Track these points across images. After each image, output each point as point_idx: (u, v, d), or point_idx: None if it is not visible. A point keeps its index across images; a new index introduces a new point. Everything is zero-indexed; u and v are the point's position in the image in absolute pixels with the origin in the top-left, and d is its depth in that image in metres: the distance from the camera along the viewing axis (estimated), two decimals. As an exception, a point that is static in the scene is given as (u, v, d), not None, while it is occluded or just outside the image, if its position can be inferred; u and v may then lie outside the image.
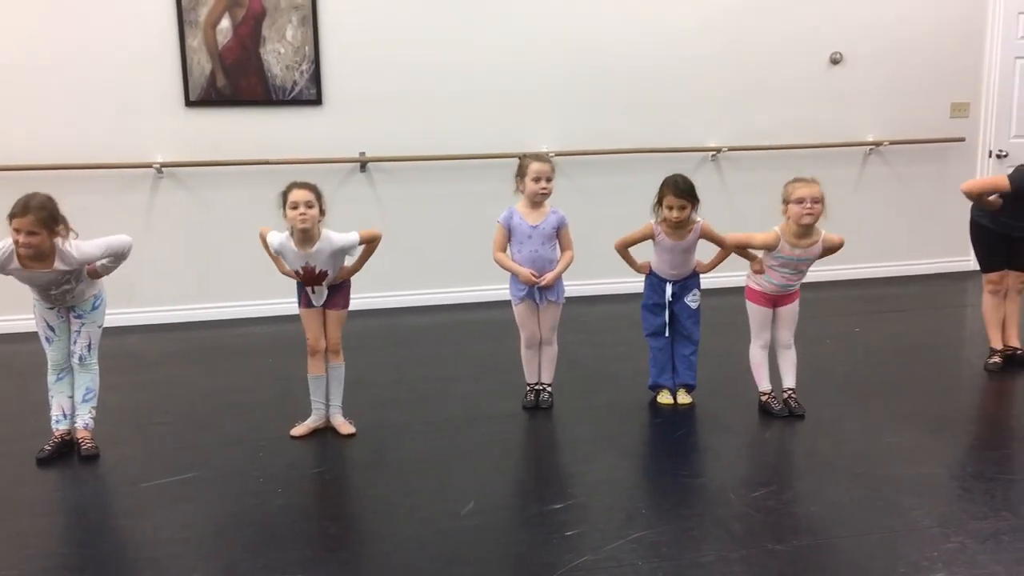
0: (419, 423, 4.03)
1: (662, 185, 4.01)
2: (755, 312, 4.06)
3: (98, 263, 3.70)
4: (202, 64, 5.77)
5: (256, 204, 5.69)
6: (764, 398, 4.09)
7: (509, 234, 4.03)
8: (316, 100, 5.98)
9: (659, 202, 4.02)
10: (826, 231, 3.97)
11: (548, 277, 4.01)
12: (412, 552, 2.88)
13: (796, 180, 3.89)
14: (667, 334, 4.18)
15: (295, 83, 5.92)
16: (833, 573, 2.70)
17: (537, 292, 4.03)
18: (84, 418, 3.75)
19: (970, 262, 7.14)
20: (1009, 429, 4.00)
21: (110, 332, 5.66)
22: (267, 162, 5.83)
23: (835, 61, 6.68)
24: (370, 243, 3.90)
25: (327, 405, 3.94)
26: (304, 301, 3.89)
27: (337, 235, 3.77)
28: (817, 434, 3.84)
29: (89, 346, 3.76)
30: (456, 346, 5.33)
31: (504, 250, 4.06)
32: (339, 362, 3.93)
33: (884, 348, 5.09)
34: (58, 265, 3.50)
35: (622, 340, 5.21)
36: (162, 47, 5.74)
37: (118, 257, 3.75)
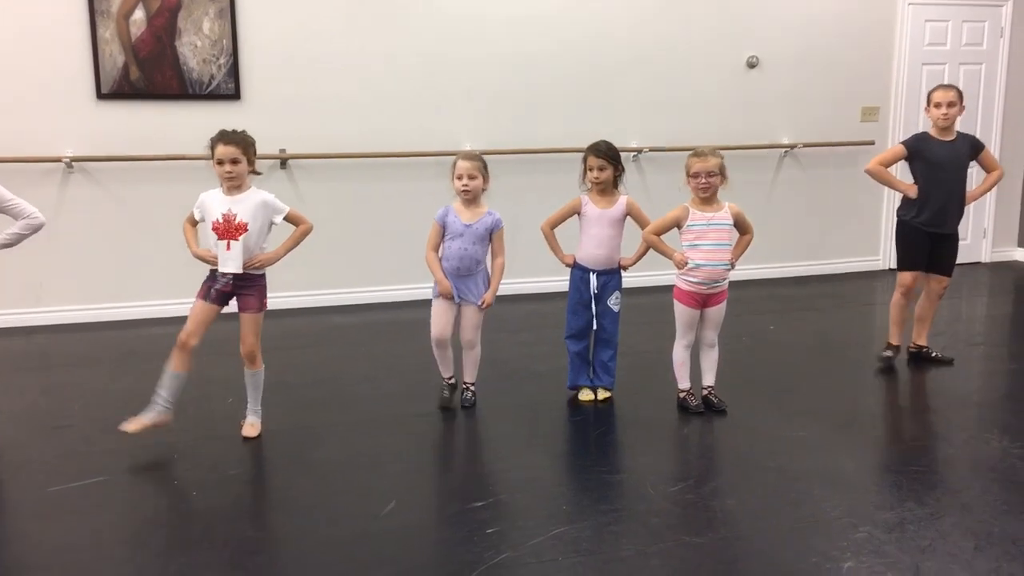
0: (340, 424, 3.99)
1: (583, 155, 4.11)
2: (682, 312, 4.09)
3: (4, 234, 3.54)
4: (114, 56, 5.60)
5: (172, 200, 5.57)
6: (682, 395, 4.16)
7: (444, 231, 4.02)
8: (235, 95, 5.85)
9: (584, 172, 4.11)
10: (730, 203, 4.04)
11: (488, 299, 4.04)
12: (331, 553, 2.85)
13: (694, 155, 3.97)
14: (591, 331, 4.21)
15: (212, 77, 5.79)
16: (748, 565, 2.77)
17: (456, 293, 4.03)
18: None
19: (879, 261, 7.43)
20: (916, 423, 4.16)
21: (16, 332, 5.49)
22: (183, 157, 5.69)
23: (751, 65, 6.84)
24: (299, 225, 3.82)
25: (170, 405, 3.70)
26: (201, 292, 3.70)
27: (269, 195, 3.72)
28: (732, 430, 3.93)
29: None
30: (377, 345, 5.29)
31: (437, 249, 4.05)
32: (257, 369, 3.79)
33: (797, 345, 5.24)
34: None
35: (544, 338, 5.24)
36: (73, 37, 5.55)
37: (28, 226, 3.64)
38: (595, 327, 4.21)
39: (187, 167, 5.68)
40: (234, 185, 3.66)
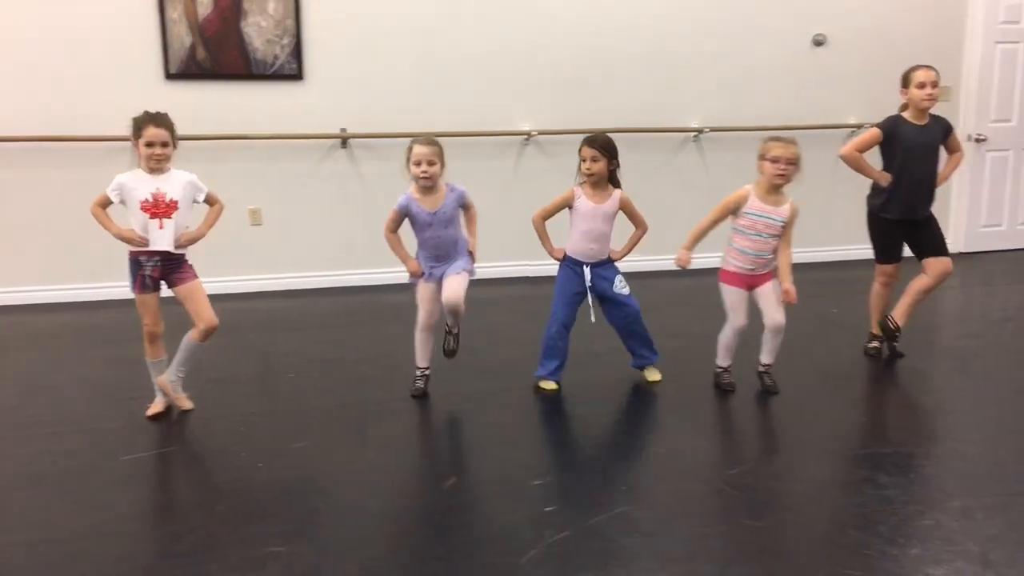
0: (398, 400, 4.02)
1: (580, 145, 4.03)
2: (729, 293, 4.04)
3: None
4: (182, 36, 5.70)
5: (235, 180, 5.67)
6: (718, 370, 4.13)
7: (406, 220, 3.92)
8: (297, 75, 5.92)
9: (579, 164, 4.03)
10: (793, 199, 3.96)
11: (473, 249, 4.00)
12: (393, 525, 2.90)
13: (774, 139, 3.91)
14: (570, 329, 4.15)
15: (276, 57, 5.86)
16: (809, 548, 2.74)
17: (436, 271, 3.95)
18: None
19: (950, 243, 7.21)
20: (982, 410, 4.05)
21: (83, 307, 5.65)
22: (246, 137, 5.78)
23: (818, 43, 6.70)
24: (214, 205, 3.86)
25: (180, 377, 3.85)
26: (138, 285, 3.72)
27: (188, 174, 3.77)
28: (794, 412, 3.88)
29: None
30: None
31: (394, 231, 3.94)
32: (204, 343, 3.80)
33: (860, 328, 5.12)
34: None
35: (601, 319, 5.21)
36: (142, 19, 5.67)
37: None
38: (620, 320, 4.17)
39: (249, 147, 5.77)
40: (159, 168, 3.68)
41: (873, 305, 4.68)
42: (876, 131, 4.39)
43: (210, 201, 3.88)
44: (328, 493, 3.19)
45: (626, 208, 4.09)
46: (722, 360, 4.14)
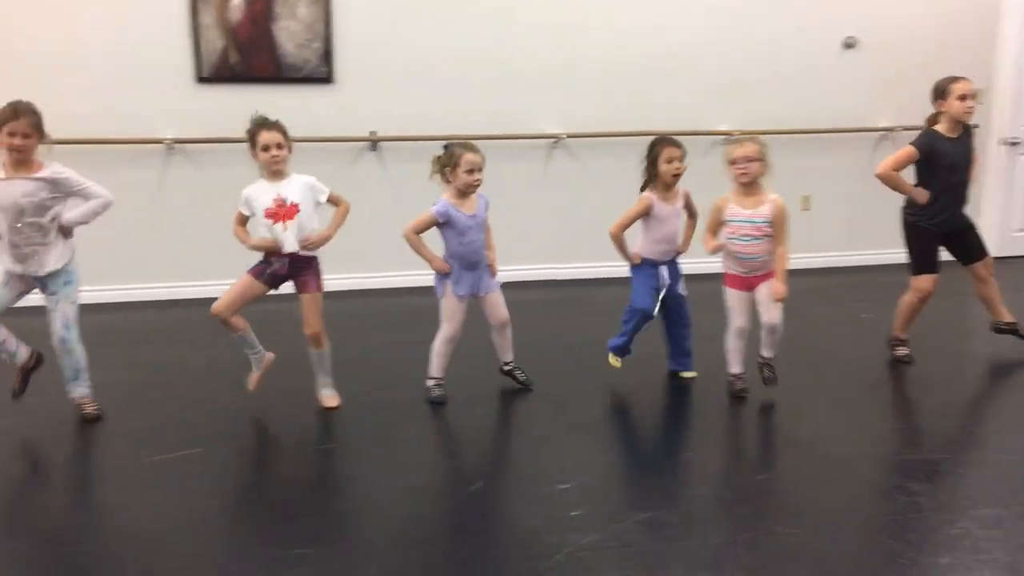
0: (422, 402, 4.04)
1: (652, 146, 4.02)
2: (730, 296, 4.02)
3: (69, 215, 3.68)
4: (214, 40, 5.77)
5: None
6: (731, 378, 4.10)
7: (439, 226, 3.93)
8: (327, 78, 5.97)
9: (652, 165, 4.00)
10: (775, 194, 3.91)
11: (494, 262, 4.05)
12: (419, 529, 2.91)
13: (732, 141, 3.91)
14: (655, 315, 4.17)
15: (307, 61, 5.91)
16: (838, 556, 2.72)
17: (476, 285, 3.98)
18: (80, 390, 3.80)
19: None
20: (1012, 414, 4.00)
21: (108, 308, 5.72)
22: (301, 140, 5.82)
23: (849, 46, 6.64)
24: (339, 205, 3.90)
25: (260, 349, 3.97)
26: (255, 271, 3.84)
27: (309, 176, 3.84)
28: (822, 419, 3.86)
29: (67, 325, 3.70)
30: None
31: (421, 232, 3.95)
32: (323, 349, 3.92)
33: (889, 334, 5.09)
34: (42, 174, 3.54)
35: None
36: (175, 22, 5.74)
37: (95, 208, 3.73)
38: (675, 315, 4.20)
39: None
40: (278, 171, 3.77)
41: (901, 314, 4.60)
42: (912, 150, 4.32)
43: (334, 201, 3.93)
44: (354, 496, 3.22)
45: (688, 202, 4.14)
46: (734, 367, 4.11)
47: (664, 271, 4.13)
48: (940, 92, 4.33)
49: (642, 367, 4.40)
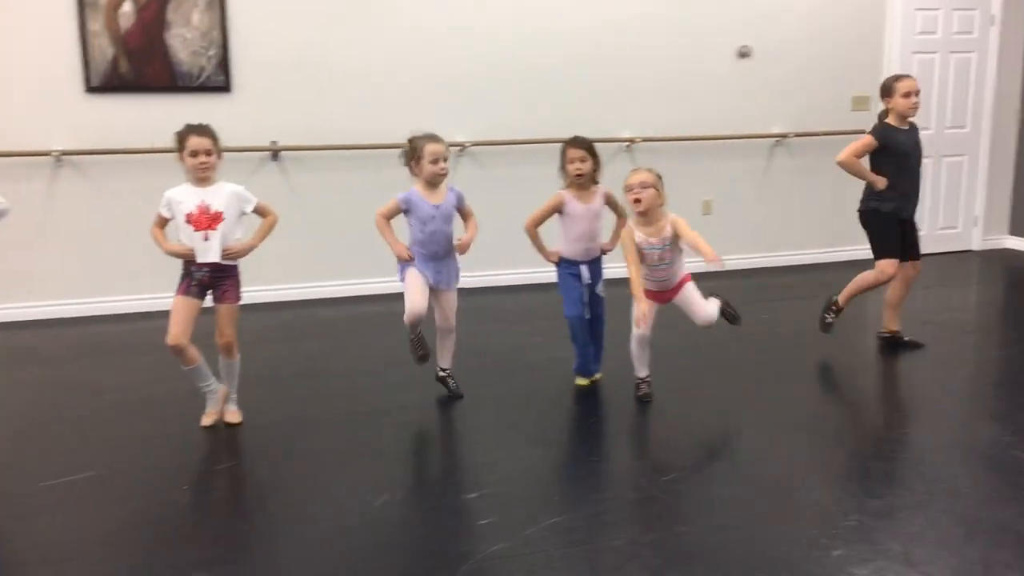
0: (331, 416, 3.99)
1: (562, 146, 4.10)
2: (640, 306, 4.04)
3: None
4: (103, 49, 5.58)
5: (161, 194, 5.54)
6: (637, 381, 4.17)
7: (404, 213, 3.97)
8: (225, 87, 5.84)
9: (563, 166, 4.09)
10: (675, 215, 3.99)
11: (466, 242, 4.01)
12: (325, 546, 2.86)
13: (631, 172, 3.97)
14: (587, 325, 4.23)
15: (202, 69, 5.77)
16: (739, 553, 2.78)
17: (433, 276, 3.98)
18: None
19: (868, 249, 7.42)
20: (906, 411, 4.17)
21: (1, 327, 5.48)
22: (173, 150, 5.64)
23: (743, 55, 6.83)
24: (267, 217, 3.84)
25: (213, 381, 3.85)
26: (183, 287, 3.73)
27: (236, 185, 3.77)
28: (725, 419, 3.95)
29: None
30: (366, 338, 5.29)
31: (389, 219, 3.98)
32: (234, 359, 3.85)
33: (787, 334, 5.24)
34: None
35: (537, 329, 5.25)
36: (62, 31, 5.53)
37: None
38: (590, 316, 4.23)
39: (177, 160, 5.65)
40: (206, 177, 3.68)
41: (854, 285, 4.85)
42: (870, 138, 4.59)
43: (262, 212, 3.84)
44: (254, 514, 3.14)
45: (611, 202, 4.18)
46: (639, 371, 4.19)
47: (585, 270, 4.17)
48: (886, 90, 4.63)
49: (549, 372, 4.43)
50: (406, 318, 3.91)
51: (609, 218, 4.24)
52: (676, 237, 3.94)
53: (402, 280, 4.01)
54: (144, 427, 3.87)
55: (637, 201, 3.88)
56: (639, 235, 3.95)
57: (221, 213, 3.68)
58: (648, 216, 3.92)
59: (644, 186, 3.87)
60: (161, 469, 3.45)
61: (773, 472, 3.36)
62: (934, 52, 7.27)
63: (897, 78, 4.63)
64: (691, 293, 4.06)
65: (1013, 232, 7.82)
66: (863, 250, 7.32)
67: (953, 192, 7.52)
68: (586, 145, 4.07)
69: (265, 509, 3.18)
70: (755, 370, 4.57)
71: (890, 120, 4.62)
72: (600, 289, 4.24)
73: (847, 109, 7.18)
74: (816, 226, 7.29)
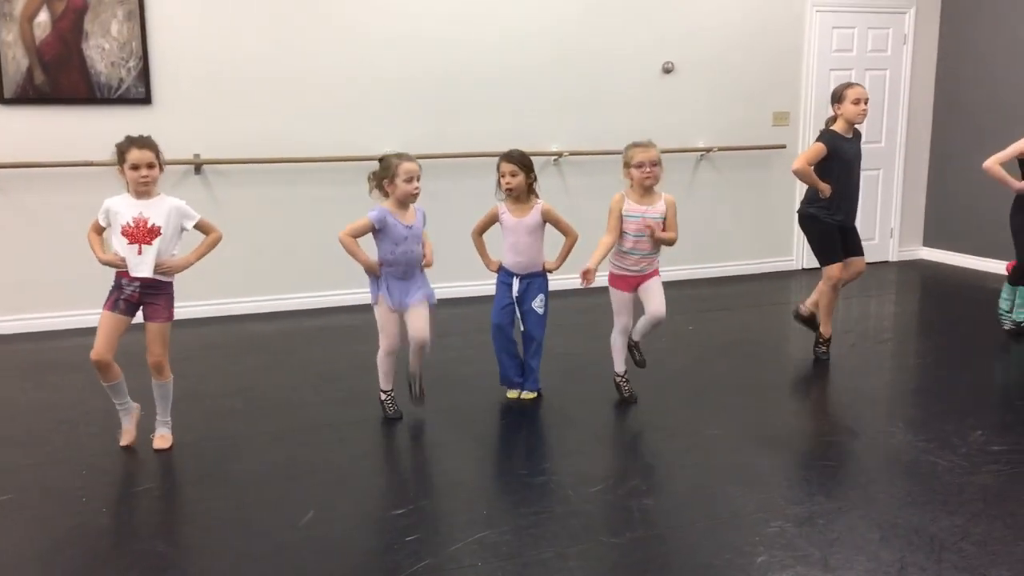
0: (258, 434, 3.92)
1: (497, 161, 4.16)
2: (617, 297, 4.18)
3: None
4: (18, 59, 5.41)
5: (79, 208, 5.39)
6: (617, 379, 4.25)
7: (374, 233, 3.89)
8: (145, 99, 5.71)
9: (498, 180, 4.16)
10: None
11: (429, 258, 4.01)
12: (247, 567, 2.80)
13: (635, 145, 4.09)
14: (514, 331, 4.24)
15: (121, 81, 5.63)
16: (664, 563, 2.82)
17: (400, 297, 3.94)
18: None
19: (792, 261, 7.64)
20: (825, 420, 4.28)
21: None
22: (91, 163, 5.52)
23: (667, 70, 6.95)
24: (210, 234, 3.75)
25: (128, 400, 3.76)
26: (110, 302, 3.61)
27: (179, 199, 3.69)
28: (651, 430, 4.00)
29: None
30: (295, 353, 5.22)
31: (357, 237, 3.90)
32: (165, 380, 3.73)
33: (712, 345, 5.34)
34: None
35: (471, 342, 5.24)
36: (-29, 39, 5.35)
37: None
38: (524, 331, 4.25)
39: (95, 173, 5.52)
40: (146, 191, 3.59)
41: (823, 307, 4.92)
42: (821, 146, 4.72)
43: (204, 229, 3.73)
44: (175, 536, 3.07)
45: (549, 218, 4.18)
46: (619, 367, 4.25)
47: (516, 282, 4.18)
48: (836, 97, 4.78)
49: (484, 386, 4.43)
50: (383, 356, 4.02)
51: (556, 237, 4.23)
52: (665, 215, 4.08)
53: (374, 303, 4.00)
54: (60, 448, 3.74)
55: (649, 178, 4.01)
56: (630, 204, 4.06)
57: (159, 228, 3.58)
58: (650, 189, 4.09)
59: (654, 163, 4.01)
60: (79, 491, 3.34)
61: (696, 481, 3.41)
62: (850, 69, 7.50)
63: (848, 85, 4.78)
64: (655, 285, 4.16)
65: (926, 243, 8.10)
66: (786, 261, 7.59)
67: (870, 204, 7.75)
68: (517, 160, 4.10)
69: (187, 531, 3.11)
70: (678, 381, 4.63)
71: (837, 127, 4.77)
72: (537, 306, 4.23)
73: (768, 124, 7.36)
74: (740, 238, 7.44)
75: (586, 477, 3.47)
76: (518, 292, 4.19)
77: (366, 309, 5.90)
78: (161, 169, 3.64)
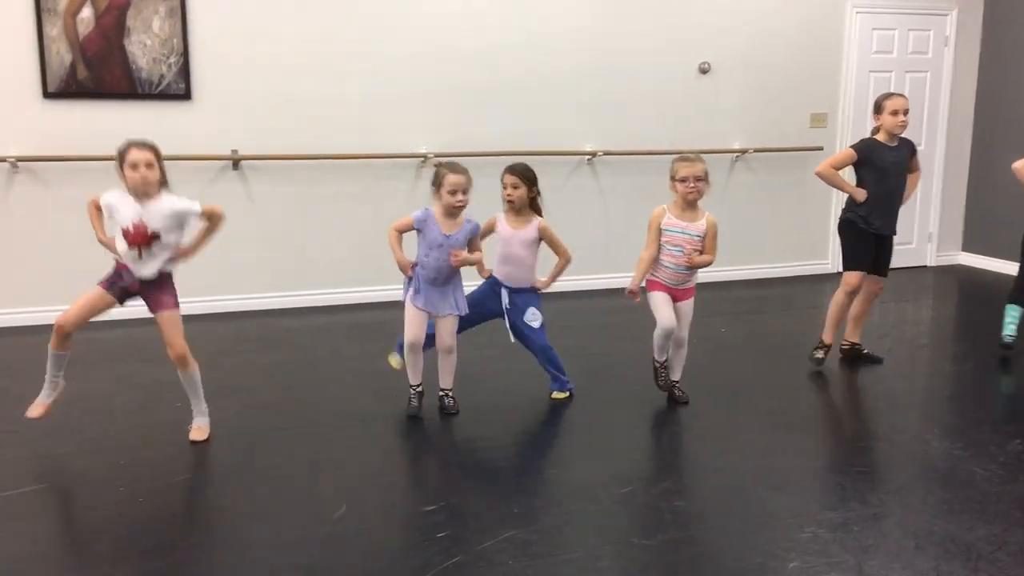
0: (292, 428, 3.95)
1: (501, 173, 4.17)
2: (654, 296, 4.14)
3: None
4: (62, 54, 5.50)
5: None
6: (657, 365, 4.24)
7: (417, 233, 3.95)
8: (185, 95, 5.78)
9: (502, 190, 4.17)
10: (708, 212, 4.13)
11: (463, 258, 3.97)
12: (280, 559, 2.83)
13: (681, 159, 4.06)
14: (511, 339, 4.25)
15: (162, 76, 5.71)
16: (695, 566, 2.80)
17: (429, 300, 3.98)
18: None
19: (827, 264, 7.55)
20: (860, 424, 4.24)
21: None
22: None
23: (703, 71, 6.91)
24: (212, 218, 3.73)
25: (61, 377, 3.76)
26: (106, 281, 3.66)
27: (178, 199, 3.65)
28: (682, 431, 3.99)
29: None
30: (329, 349, 5.26)
31: (401, 232, 3.97)
32: (191, 370, 3.74)
33: (746, 348, 5.31)
34: None
35: (495, 342, 5.23)
36: (19, 35, 5.44)
37: None
38: (526, 345, 4.26)
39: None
40: (145, 192, 3.58)
41: (831, 315, 4.87)
42: (851, 152, 4.71)
43: (207, 214, 3.71)
44: (212, 527, 3.11)
45: (545, 236, 4.17)
46: (659, 357, 4.24)
47: (505, 295, 4.18)
48: (877, 107, 4.75)
49: (511, 385, 4.44)
50: (405, 346, 4.06)
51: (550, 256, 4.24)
52: (704, 235, 4.05)
53: (404, 299, 4.06)
54: (98, 438, 3.80)
55: (692, 192, 3.99)
56: (670, 218, 4.04)
57: (157, 233, 3.59)
58: (692, 205, 4.06)
59: (698, 179, 3.98)
60: (117, 482, 3.39)
61: (728, 484, 3.39)
62: (890, 71, 7.42)
63: (887, 96, 4.73)
64: (685, 312, 4.16)
65: (965, 248, 7.99)
66: (821, 264, 7.51)
67: (909, 208, 7.64)
68: (520, 172, 4.11)
69: (222, 523, 3.15)
70: (710, 382, 4.60)
71: (879, 136, 4.71)
72: (531, 320, 4.22)
73: (806, 126, 7.29)
74: (774, 241, 7.38)
75: (617, 477, 3.46)
76: (507, 304, 4.19)
77: (398, 306, 5.94)
78: (162, 172, 3.62)
